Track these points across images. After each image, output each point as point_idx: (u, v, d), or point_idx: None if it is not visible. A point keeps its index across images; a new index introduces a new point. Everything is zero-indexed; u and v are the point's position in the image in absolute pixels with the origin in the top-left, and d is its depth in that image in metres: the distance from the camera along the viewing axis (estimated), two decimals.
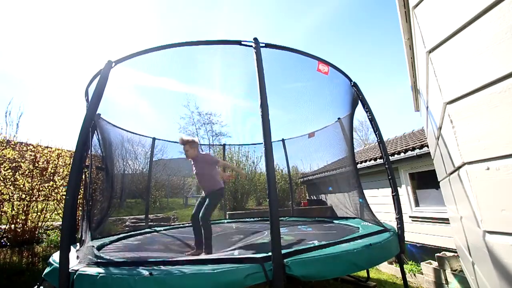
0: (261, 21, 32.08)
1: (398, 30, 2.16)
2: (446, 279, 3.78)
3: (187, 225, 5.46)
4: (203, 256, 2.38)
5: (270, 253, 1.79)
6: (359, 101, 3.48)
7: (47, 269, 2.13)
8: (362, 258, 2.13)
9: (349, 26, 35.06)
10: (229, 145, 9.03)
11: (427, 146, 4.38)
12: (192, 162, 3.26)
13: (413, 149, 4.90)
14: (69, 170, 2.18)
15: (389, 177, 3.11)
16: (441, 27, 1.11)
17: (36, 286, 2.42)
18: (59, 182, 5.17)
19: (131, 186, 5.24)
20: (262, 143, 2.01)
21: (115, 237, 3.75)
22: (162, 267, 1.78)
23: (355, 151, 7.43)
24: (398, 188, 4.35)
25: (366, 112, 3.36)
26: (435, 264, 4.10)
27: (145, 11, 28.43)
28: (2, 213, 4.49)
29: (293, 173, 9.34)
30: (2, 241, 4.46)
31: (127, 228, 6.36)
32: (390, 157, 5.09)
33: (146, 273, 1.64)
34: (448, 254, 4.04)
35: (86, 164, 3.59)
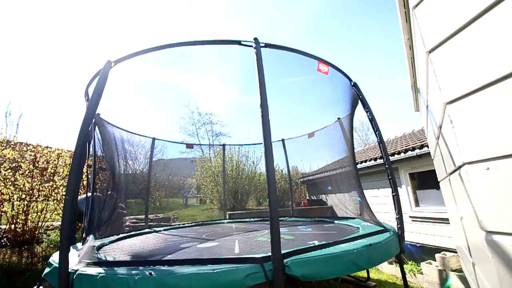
0: (256, 16, 31.83)
1: (399, 27, 2.16)
2: (446, 279, 3.78)
3: (187, 225, 5.46)
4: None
5: (270, 253, 1.79)
6: (359, 101, 3.48)
7: (47, 269, 2.13)
8: (362, 258, 2.12)
9: (349, 21, 34.92)
10: (229, 145, 9.03)
11: (427, 146, 4.38)
12: None
13: (413, 149, 4.90)
14: (69, 170, 2.18)
15: (389, 177, 3.10)
16: (441, 27, 1.11)
17: (36, 286, 2.42)
18: (59, 182, 5.17)
19: (131, 186, 5.24)
20: (262, 143, 2.01)
21: (115, 237, 3.75)
22: (162, 267, 1.79)
23: (355, 151, 7.44)
24: (398, 188, 4.35)
25: (366, 112, 3.36)
26: (435, 264, 4.10)
27: (143, 11, 28.41)
28: (2, 213, 4.49)
29: (293, 173, 9.35)
30: (2, 241, 4.46)
31: (127, 228, 6.35)
32: (390, 157, 5.09)
33: (145, 273, 1.64)
34: (448, 254, 4.04)
35: (87, 163, 3.60)
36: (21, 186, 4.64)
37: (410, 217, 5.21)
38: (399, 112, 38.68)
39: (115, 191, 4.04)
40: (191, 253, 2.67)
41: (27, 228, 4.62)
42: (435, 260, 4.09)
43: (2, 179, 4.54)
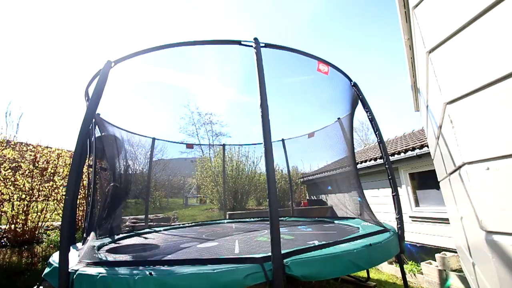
0: (256, 16, 31.77)
1: (399, 27, 2.16)
2: (446, 279, 3.78)
3: (187, 225, 5.46)
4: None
5: (270, 253, 1.79)
6: (359, 101, 3.49)
7: (47, 269, 2.13)
8: (362, 258, 2.12)
9: (349, 21, 34.84)
10: (229, 145, 9.03)
11: (427, 146, 4.38)
12: None
13: (413, 149, 4.90)
14: (69, 170, 2.19)
15: (389, 177, 3.10)
16: (441, 27, 1.11)
17: (36, 286, 2.42)
18: (59, 182, 5.17)
19: (131, 186, 5.24)
20: (262, 143, 2.01)
21: (115, 237, 3.75)
22: (162, 267, 1.78)
23: (355, 151, 7.44)
24: (398, 188, 4.35)
25: (366, 112, 3.36)
26: (435, 264, 4.10)
27: (143, 11, 28.40)
28: (2, 213, 4.49)
29: (293, 173, 9.35)
30: (2, 241, 4.46)
31: (127, 228, 6.36)
32: (390, 157, 5.09)
33: (145, 273, 1.64)
34: (448, 254, 4.04)
35: (87, 164, 3.60)
36: (21, 186, 4.63)
37: (410, 217, 5.21)
38: (399, 112, 38.69)
39: (115, 190, 4.03)
40: (191, 253, 2.67)
41: (27, 228, 4.62)
42: (435, 260, 4.09)
43: (2, 179, 4.54)
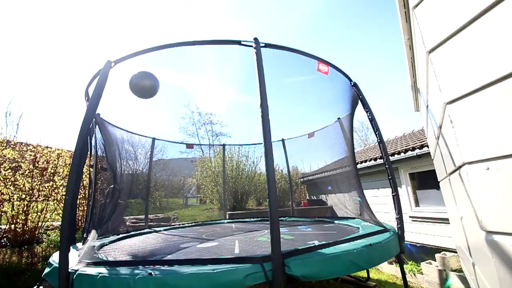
0: (256, 16, 31.78)
1: (399, 27, 2.16)
2: (446, 279, 3.78)
3: (187, 225, 5.46)
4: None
5: (270, 253, 1.79)
6: (359, 101, 3.49)
7: (47, 269, 2.13)
8: (362, 258, 2.12)
9: (349, 21, 34.85)
10: (229, 145, 9.01)
11: (427, 146, 4.38)
12: None
13: (413, 149, 4.90)
14: (69, 170, 2.19)
15: (389, 177, 3.10)
16: (441, 27, 1.11)
17: (36, 286, 2.42)
18: (59, 182, 5.17)
19: (131, 186, 5.25)
20: (262, 143, 2.01)
21: (115, 237, 3.75)
22: (162, 267, 1.79)
23: (355, 151, 7.44)
24: (398, 188, 4.35)
25: (366, 112, 3.36)
26: (435, 264, 4.10)
27: (143, 11, 28.40)
28: (2, 213, 4.49)
29: (293, 173, 9.35)
30: (2, 241, 4.46)
31: (127, 228, 6.35)
32: (390, 157, 5.09)
33: (145, 273, 1.64)
34: (448, 254, 4.04)
35: (88, 163, 3.60)
36: (21, 186, 4.63)
37: (410, 217, 5.21)
38: (399, 112, 38.76)
39: (116, 191, 4.03)
40: (191, 253, 2.67)
41: (27, 228, 4.62)
42: (435, 260, 4.09)
43: (2, 179, 4.54)
